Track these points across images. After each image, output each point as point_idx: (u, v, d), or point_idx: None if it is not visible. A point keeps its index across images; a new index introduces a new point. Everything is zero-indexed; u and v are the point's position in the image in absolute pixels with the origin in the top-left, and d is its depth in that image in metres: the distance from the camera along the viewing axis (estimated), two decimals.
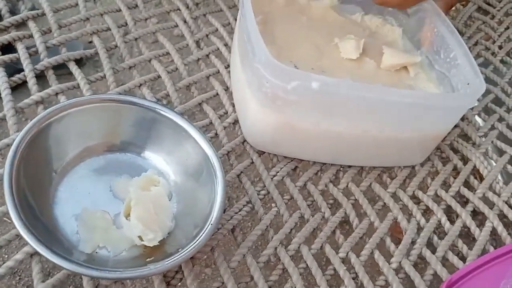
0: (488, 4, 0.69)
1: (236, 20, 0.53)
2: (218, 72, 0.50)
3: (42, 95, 0.39)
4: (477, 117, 0.53)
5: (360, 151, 0.43)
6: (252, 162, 0.43)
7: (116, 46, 0.47)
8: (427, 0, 0.49)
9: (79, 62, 0.44)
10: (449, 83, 0.45)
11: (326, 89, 0.36)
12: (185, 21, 0.53)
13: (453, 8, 0.56)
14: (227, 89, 0.48)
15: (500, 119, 0.54)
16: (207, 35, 0.53)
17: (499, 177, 0.47)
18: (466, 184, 0.47)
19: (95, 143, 0.36)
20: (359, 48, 0.47)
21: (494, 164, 0.48)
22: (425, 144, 0.44)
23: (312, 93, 0.36)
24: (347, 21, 0.53)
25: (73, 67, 0.43)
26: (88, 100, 0.34)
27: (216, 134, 0.44)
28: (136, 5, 0.52)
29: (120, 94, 0.38)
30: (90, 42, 0.47)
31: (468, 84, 0.42)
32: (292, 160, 0.44)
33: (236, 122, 0.45)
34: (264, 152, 0.43)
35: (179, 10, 0.54)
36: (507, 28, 0.66)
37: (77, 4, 0.49)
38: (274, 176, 0.42)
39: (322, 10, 0.52)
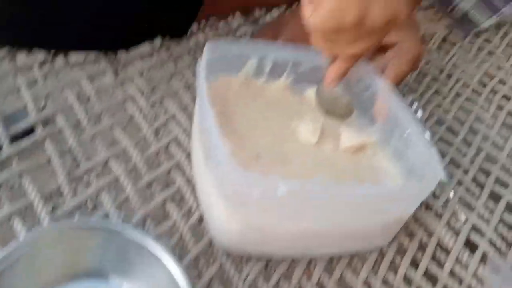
0: (436, 58, 0.72)
1: (194, 102, 0.52)
2: (179, 163, 0.49)
3: None
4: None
5: (329, 243, 0.43)
6: (221, 266, 0.41)
7: (70, 150, 0.45)
8: (377, 76, 0.50)
9: None
10: (407, 159, 0.46)
11: (292, 193, 0.36)
12: (141, 110, 0.52)
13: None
14: (189, 180, 0.47)
15: (459, 182, 0.55)
16: (165, 122, 0.52)
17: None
18: (434, 258, 0.47)
19: (55, 275, 0.34)
20: (317, 131, 0.48)
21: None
22: (390, 228, 0.45)
23: (277, 197, 0.36)
24: (302, 101, 0.53)
25: (25, 181, 0.41)
26: (42, 232, 0.33)
27: (181, 237, 0.42)
28: (89, 99, 0.50)
29: (77, 220, 0.36)
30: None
31: (424, 165, 0.43)
32: (261, 258, 0.43)
33: (201, 219, 0.44)
34: None
35: (134, 98, 0.53)
36: (456, 82, 0.69)
37: (25, 107, 0.47)
38: (245, 278, 0.41)
39: (277, 92, 0.52)
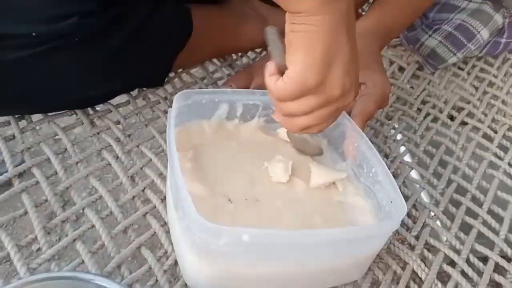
0: (407, 93, 0.74)
1: None
2: (155, 207, 0.50)
3: None
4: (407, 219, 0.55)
5: (301, 283, 0.44)
6: None
7: (46, 201, 0.46)
8: (345, 115, 0.52)
9: None
10: (375, 196, 0.48)
11: (257, 241, 0.37)
12: (117, 158, 0.53)
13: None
14: (165, 224, 0.48)
15: (430, 214, 0.56)
16: (141, 168, 0.54)
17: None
18: None
19: None
20: (287, 170, 0.49)
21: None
22: (361, 263, 0.46)
23: (243, 245, 0.37)
24: (274, 139, 0.55)
25: (2, 234, 0.42)
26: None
27: (157, 280, 0.43)
28: (65, 149, 0.52)
29: (43, 273, 0.37)
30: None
31: (391, 202, 0.45)
32: None
33: (176, 262, 0.45)
34: None
35: (111, 145, 0.54)
36: (426, 116, 0.71)
37: (3, 161, 0.48)
38: None
39: (250, 133, 0.54)
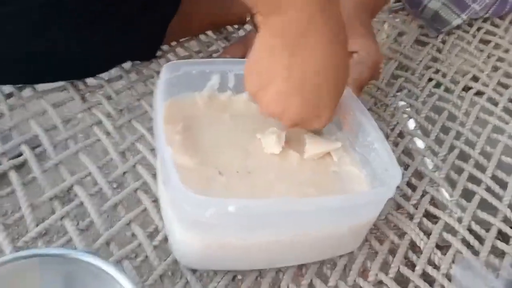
0: (409, 58, 0.72)
1: None
2: (146, 183, 0.49)
3: None
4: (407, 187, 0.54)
5: (294, 254, 0.43)
6: (187, 282, 0.42)
7: (34, 178, 0.46)
8: None
9: None
10: (370, 165, 0.46)
11: (244, 211, 0.36)
12: (108, 133, 0.52)
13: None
14: (156, 200, 0.48)
15: (431, 181, 0.55)
16: (132, 143, 0.53)
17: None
18: (406, 260, 0.47)
19: None
20: (281, 142, 0.48)
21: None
22: (356, 233, 0.45)
23: (231, 216, 0.36)
24: None
25: None
26: None
27: (147, 256, 0.43)
28: (55, 126, 0.51)
29: (22, 252, 0.36)
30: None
31: (386, 170, 0.43)
32: (228, 271, 0.43)
33: (166, 238, 0.44)
34: None
35: (102, 122, 0.53)
36: (429, 81, 0.69)
37: None
38: None
39: (243, 104, 0.53)
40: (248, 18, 0.55)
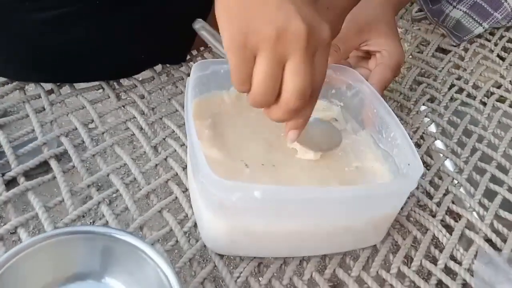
0: (431, 66, 0.73)
1: None
2: (177, 174, 0.51)
3: (1, 231, 0.40)
4: (429, 186, 0.55)
5: (317, 243, 0.45)
6: (215, 266, 0.43)
7: (73, 167, 0.48)
8: (363, 81, 0.53)
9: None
10: (394, 161, 0.48)
11: (269, 197, 0.38)
12: (141, 129, 0.55)
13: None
14: (186, 190, 0.50)
15: (454, 181, 0.56)
16: (164, 139, 0.55)
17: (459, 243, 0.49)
18: (428, 255, 0.48)
19: (52, 277, 0.37)
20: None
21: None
22: (379, 226, 0.46)
23: (256, 201, 0.38)
24: None
25: (31, 196, 0.44)
26: (35, 241, 0.35)
27: (177, 241, 0.45)
28: (93, 121, 0.54)
29: (68, 228, 0.39)
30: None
31: (409, 164, 0.45)
32: (254, 258, 0.45)
33: (196, 225, 0.46)
34: None
35: (135, 118, 0.56)
36: (451, 87, 0.70)
37: (33, 131, 0.51)
38: (238, 277, 0.43)
39: None
40: None
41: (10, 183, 0.46)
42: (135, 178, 0.49)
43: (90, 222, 0.45)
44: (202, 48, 0.71)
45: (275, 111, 0.37)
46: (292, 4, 0.34)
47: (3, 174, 0.46)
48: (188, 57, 0.68)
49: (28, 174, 0.47)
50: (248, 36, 0.34)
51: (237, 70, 0.35)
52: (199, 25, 0.41)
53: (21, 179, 0.46)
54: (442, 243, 0.49)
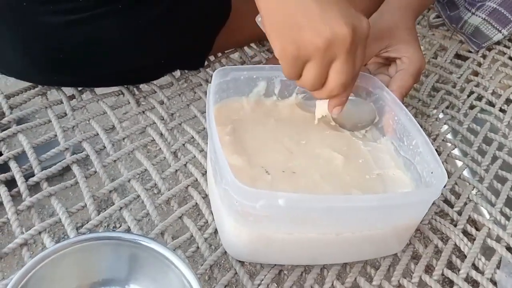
0: (449, 72, 0.73)
1: None
2: (196, 180, 0.51)
3: (26, 236, 0.41)
4: (450, 194, 0.54)
5: (338, 252, 0.44)
6: (236, 273, 0.43)
7: (95, 172, 0.49)
8: (384, 88, 0.52)
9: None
10: (415, 169, 0.47)
11: (292, 205, 0.38)
12: (161, 134, 0.55)
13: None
14: (205, 196, 0.50)
15: (474, 190, 0.55)
16: (183, 144, 0.55)
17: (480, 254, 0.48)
18: (450, 264, 0.47)
19: (77, 283, 0.37)
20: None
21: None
22: (400, 235, 0.46)
23: (279, 209, 0.38)
24: (312, 116, 0.55)
25: (54, 202, 0.45)
26: (60, 246, 0.36)
27: (198, 247, 0.45)
28: (113, 126, 0.55)
29: (93, 234, 0.39)
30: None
31: (432, 172, 0.44)
32: (275, 265, 0.45)
33: (216, 231, 0.46)
34: None
35: (155, 123, 0.57)
36: (470, 94, 0.69)
37: (55, 136, 0.51)
38: (259, 285, 0.43)
39: (288, 109, 0.55)
40: None
41: (32, 188, 0.46)
42: (155, 184, 0.50)
43: (112, 228, 0.45)
44: (219, 54, 0.71)
45: (320, 94, 0.44)
46: (333, 10, 0.39)
47: (26, 179, 0.46)
48: (206, 63, 0.68)
49: (48, 179, 0.47)
50: (300, 48, 0.39)
51: (289, 73, 0.42)
52: (260, 19, 0.45)
53: (44, 185, 0.46)
54: (463, 252, 0.48)
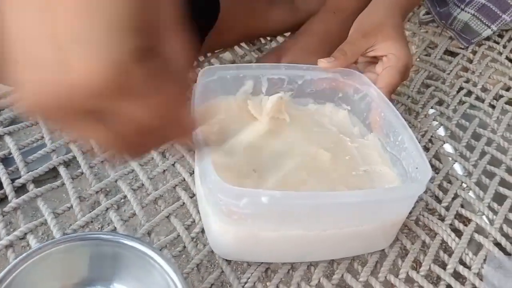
0: (439, 68, 0.73)
1: None
2: (184, 180, 0.52)
3: (11, 238, 0.41)
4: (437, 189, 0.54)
5: (325, 248, 0.44)
6: (222, 272, 0.43)
7: (82, 173, 0.49)
8: (371, 85, 0.53)
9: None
10: (401, 165, 0.48)
11: (276, 202, 0.38)
12: None
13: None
14: (193, 196, 0.50)
15: (463, 185, 0.55)
16: (171, 145, 0.55)
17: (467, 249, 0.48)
18: (437, 260, 0.47)
19: (61, 283, 0.37)
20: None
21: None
22: (387, 231, 0.46)
23: (263, 207, 0.38)
24: (302, 114, 0.55)
25: (40, 203, 0.45)
26: (44, 247, 0.36)
27: (185, 247, 0.45)
28: None
29: (76, 234, 0.39)
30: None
31: (417, 168, 0.44)
32: (262, 263, 0.45)
33: (203, 230, 0.47)
34: None
35: None
36: (459, 90, 0.69)
37: (42, 137, 0.51)
38: (246, 283, 0.43)
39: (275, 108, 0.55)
40: None
41: (19, 190, 0.46)
42: (143, 184, 0.50)
43: (99, 228, 0.45)
44: (209, 54, 0.71)
45: None
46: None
47: (12, 181, 0.46)
48: (195, 63, 0.68)
49: (36, 180, 0.47)
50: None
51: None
52: None
53: (31, 186, 0.46)
54: (451, 247, 0.48)
